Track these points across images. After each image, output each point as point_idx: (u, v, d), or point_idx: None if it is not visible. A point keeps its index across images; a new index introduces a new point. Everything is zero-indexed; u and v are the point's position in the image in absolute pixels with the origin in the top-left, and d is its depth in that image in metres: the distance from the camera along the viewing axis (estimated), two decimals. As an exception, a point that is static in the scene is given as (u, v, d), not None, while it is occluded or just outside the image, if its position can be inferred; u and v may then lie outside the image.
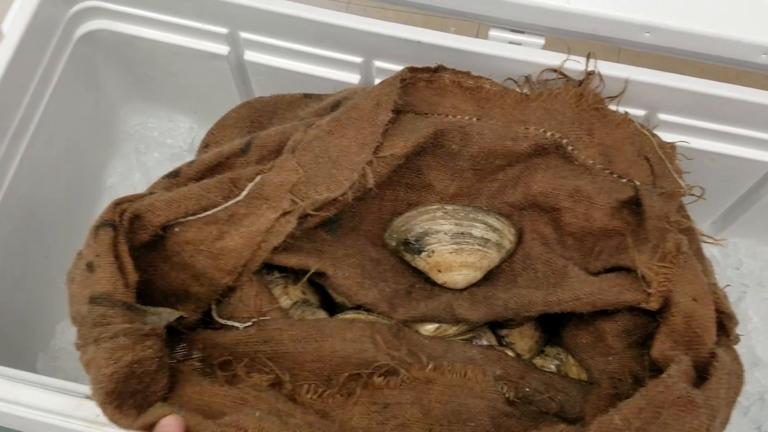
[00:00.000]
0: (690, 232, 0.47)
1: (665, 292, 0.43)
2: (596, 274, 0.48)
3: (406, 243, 0.51)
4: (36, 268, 0.63)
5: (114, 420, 0.38)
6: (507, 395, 0.46)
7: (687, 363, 0.40)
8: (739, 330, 0.51)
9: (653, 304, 0.43)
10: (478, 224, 0.50)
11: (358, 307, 0.50)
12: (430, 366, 0.46)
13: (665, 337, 0.43)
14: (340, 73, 0.60)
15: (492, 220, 0.51)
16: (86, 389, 0.42)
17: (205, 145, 0.53)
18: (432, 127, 0.50)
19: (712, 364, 0.40)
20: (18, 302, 0.62)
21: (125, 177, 0.71)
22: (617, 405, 0.39)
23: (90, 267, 0.41)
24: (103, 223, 0.42)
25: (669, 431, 0.38)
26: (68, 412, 0.41)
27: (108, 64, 0.67)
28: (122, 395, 0.38)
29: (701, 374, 0.41)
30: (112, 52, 0.65)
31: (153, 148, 0.73)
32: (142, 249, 0.45)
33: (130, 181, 0.71)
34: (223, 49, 0.61)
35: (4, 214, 0.56)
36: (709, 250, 0.68)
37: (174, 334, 0.47)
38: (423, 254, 0.50)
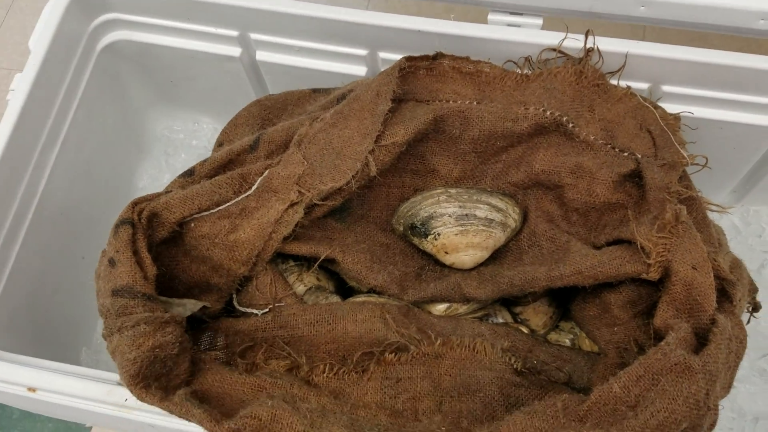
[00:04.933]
0: (692, 202, 0.47)
1: (664, 262, 0.44)
2: (600, 247, 0.49)
3: (412, 227, 0.53)
4: (75, 268, 0.67)
5: (141, 399, 0.41)
6: (515, 366, 0.47)
7: (686, 330, 0.41)
8: (761, 297, 0.51)
9: (653, 275, 0.44)
10: (481, 205, 0.52)
11: (370, 291, 0.52)
12: (439, 341, 0.48)
13: (666, 306, 0.43)
14: (347, 66, 0.61)
15: (496, 201, 0.52)
16: (116, 377, 0.45)
17: (219, 144, 0.55)
18: (431, 113, 0.51)
19: (711, 330, 0.41)
20: (61, 301, 0.66)
21: (155, 179, 0.75)
22: (618, 373, 0.40)
23: (111, 262, 0.45)
24: (123, 222, 0.46)
25: (667, 397, 0.38)
26: (100, 398, 0.45)
27: (131, 73, 0.70)
28: (147, 378, 0.41)
29: (703, 341, 0.42)
30: (134, 61, 0.68)
31: (180, 150, 0.76)
32: (164, 245, 0.48)
33: (160, 182, 0.75)
34: (235, 51, 0.64)
35: (40, 217, 0.60)
36: (729, 219, 0.68)
37: (200, 323, 0.50)
38: (429, 237, 0.52)
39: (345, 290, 0.55)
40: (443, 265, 0.53)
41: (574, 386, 0.47)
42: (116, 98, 0.71)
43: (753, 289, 0.51)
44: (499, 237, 0.52)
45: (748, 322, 0.48)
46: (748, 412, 0.61)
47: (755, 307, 0.51)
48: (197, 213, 0.47)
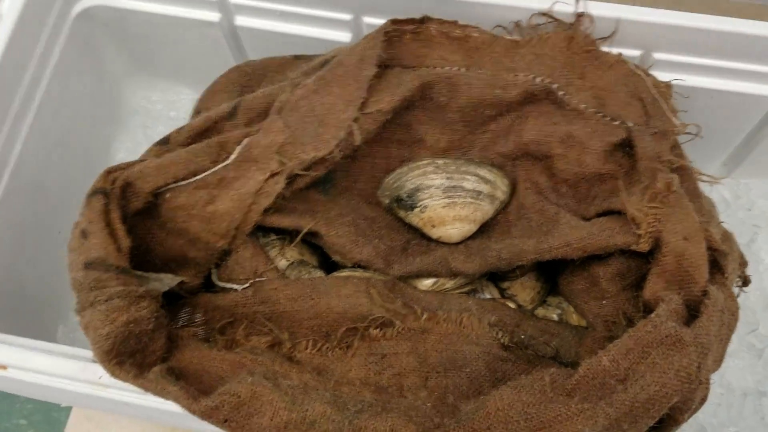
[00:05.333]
0: (684, 171, 0.46)
1: (655, 232, 0.42)
2: (590, 219, 0.48)
3: (398, 200, 0.51)
4: (52, 242, 0.65)
5: (115, 376, 0.40)
6: (502, 340, 0.46)
7: (677, 302, 0.40)
8: (751, 272, 0.50)
9: (643, 246, 0.43)
10: (469, 177, 0.50)
11: (355, 266, 0.51)
12: (425, 316, 0.46)
13: (657, 277, 0.42)
14: (331, 32, 0.59)
15: (484, 172, 0.51)
16: (90, 353, 0.43)
17: (197, 112, 0.53)
18: (418, 80, 0.49)
19: (703, 302, 0.40)
20: (37, 276, 0.64)
21: (132, 151, 0.73)
22: (607, 347, 0.39)
23: (84, 234, 0.43)
24: (95, 191, 0.44)
25: (658, 371, 0.37)
26: (73, 376, 0.43)
27: (107, 40, 0.68)
28: (121, 354, 0.40)
29: (694, 313, 0.41)
30: (110, 28, 0.66)
31: (158, 122, 0.74)
32: (139, 217, 0.47)
33: (137, 154, 0.70)
34: (214, 15, 0.61)
35: (14, 189, 0.58)
36: (719, 192, 0.67)
37: (178, 299, 0.48)
38: (416, 210, 0.50)
39: (329, 265, 0.53)
40: (430, 239, 0.52)
41: (562, 361, 0.46)
42: (92, 67, 0.68)
43: (743, 263, 0.50)
44: (487, 209, 0.50)
45: (738, 296, 0.47)
46: (737, 387, 0.60)
47: (745, 282, 0.50)
48: (173, 183, 0.45)
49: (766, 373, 0.62)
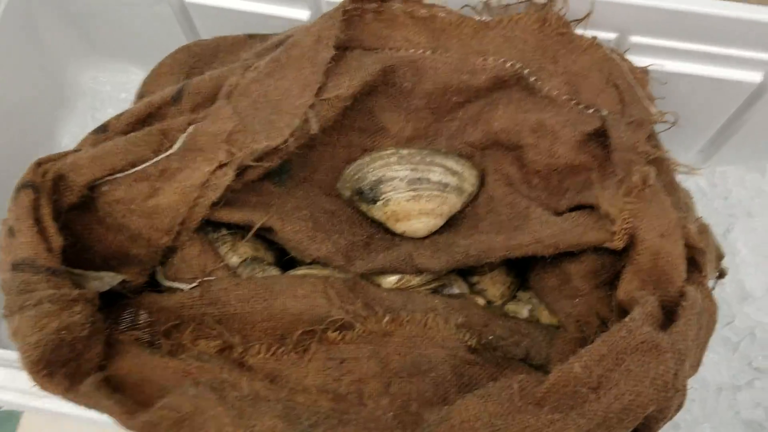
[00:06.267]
0: (660, 163, 0.44)
1: (630, 229, 0.40)
2: (562, 213, 0.45)
3: (360, 192, 0.48)
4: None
5: (45, 388, 0.37)
6: (469, 343, 0.44)
7: (653, 304, 0.37)
8: (727, 263, 0.48)
9: (617, 243, 0.40)
10: (435, 168, 0.47)
11: (313, 263, 0.47)
12: (387, 318, 0.43)
13: (631, 276, 0.40)
14: (288, 9, 0.55)
15: (451, 163, 0.48)
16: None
17: (141, 97, 0.49)
18: (380, 63, 0.46)
19: (680, 304, 0.37)
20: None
21: (80, 136, 0.67)
22: (578, 352, 0.37)
23: (11, 232, 0.39)
24: (24, 185, 0.40)
25: (633, 378, 0.35)
26: (2, 384, 0.39)
27: (49, 18, 0.63)
28: (52, 364, 0.36)
29: (671, 315, 0.38)
30: (53, 4, 0.61)
31: (107, 104, 0.69)
32: (75, 211, 0.43)
33: None
34: (163, -9, 0.57)
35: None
36: (695, 181, 0.65)
37: (120, 299, 0.45)
38: (379, 203, 0.47)
39: (286, 262, 0.50)
40: (394, 234, 0.49)
41: (532, 362, 0.44)
42: (34, 46, 0.64)
43: (719, 256, 0.48)
44: (454, 203, 0.47)
45: (713, 288, 0.45)
46: (712, 382, 0.59)
47: (721, 274, 0.48)
48: (110, 175, 0.41)
49: (741, 367, 0.60)
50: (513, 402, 0.36)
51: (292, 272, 0.47)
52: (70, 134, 0.69)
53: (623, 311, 0.40)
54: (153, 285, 0.46)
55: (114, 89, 0.69)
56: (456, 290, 0.51)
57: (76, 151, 0.42)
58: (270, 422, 0.36)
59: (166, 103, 0.44)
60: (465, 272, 0.51)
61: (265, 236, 0.48)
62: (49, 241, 0.39)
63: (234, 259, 0.46)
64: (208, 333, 0.43)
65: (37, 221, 0.39)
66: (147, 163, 0.42)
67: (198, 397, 0.36)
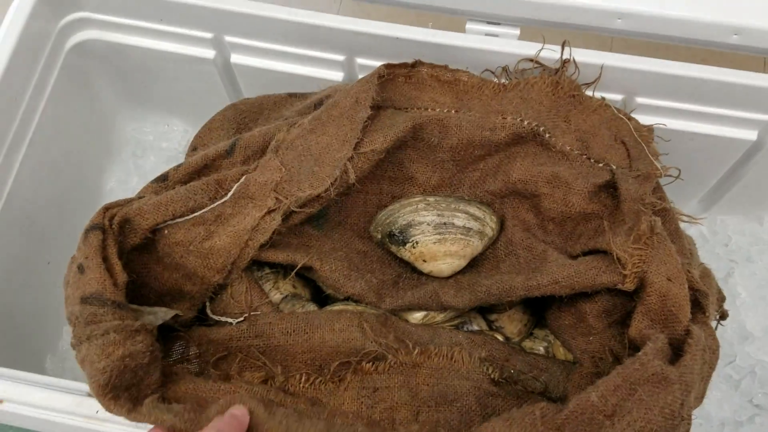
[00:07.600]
0: (665, 213, 0.48)
1: (640, 273, 0.44)
2: (576, 257, 0.49)
3: (390, 235, 0.52)
4: (40, 273, 0.65)
5: (110, 410, 0.40)
6: (492, 375, 0.47)
7: (662, 341, 0.41)
8: (728, 305, 0.52)
9: (628, 285, 0.45)
10: (459, 214, 0.52)
11: (347, 299, 0.52)
12: (417, 350, 0.47)
13: (642, 316, 0.44)
14: (324, 71, 0.61)
15: (473, 209, 0.52)
16: (86, 387, 0.44)
17: (193, 148, 0.54)
18: (410, 121, 0.51)
19: (686, 341, 0.41)
20: (25, 306, 0.64)
21: (123, 181, 0.73)
22: (595, 383, 0.40)
23: (80, 269, 0.43)
24: (93, 227, 0.44)
25: (644, 407, 0.39)
26: (70, 410, 0.43)
27: (100, 73, 0.68)
28: (117, 388, 0.40)
29: (677, 351, 0.42)
30: (104, 61, 0.67)
31: (149, 152, 0.75)
32: (135, 252, 0.47)
33: (128, 185, 0.73)
34: (209, 53, 0.62)
35: (5, 220, 0.59)
36: (697, 229, 0.69)
37: (172, 332, 0.49)
38: (408, 245, 0.52)
39: (321, 298, 0.54)
40: (421, 273, 0.53)
41: (550, 396, 0.48)
42: (85, 98, 0.69)
43: (721, 298, 0.52)
44: (476, 245, 0.52)
45: (716, 328, 0.49)
46: (715, 417, 0.62)
47: (722, 316, 0.52)
48: (171, 220, 0.46)
49: (742, 403, 0.64)
50: (535, 426, 0.40)
51: (329, 307, 0.51)
52: (115, 178, 0.74)
53: (635, 347, 0.44)
54: (200, 320, 0.51)
55: (156, 139, 0.75)
56: (476, 327, 0.55)
57: (139, 198, 0.47)
58: None
59: (220, 155, 0.49)
60: (484, 310, 0.55)
61: (303, 274, 0.52)
62: (115, 277, 0.44)
63: (276, 296, 0.51)
64: (253, 363, 0.47)
65: (105, 260, 0.44)
66: (204, 210, 0.46)
67: (252, 413, 0.39)
